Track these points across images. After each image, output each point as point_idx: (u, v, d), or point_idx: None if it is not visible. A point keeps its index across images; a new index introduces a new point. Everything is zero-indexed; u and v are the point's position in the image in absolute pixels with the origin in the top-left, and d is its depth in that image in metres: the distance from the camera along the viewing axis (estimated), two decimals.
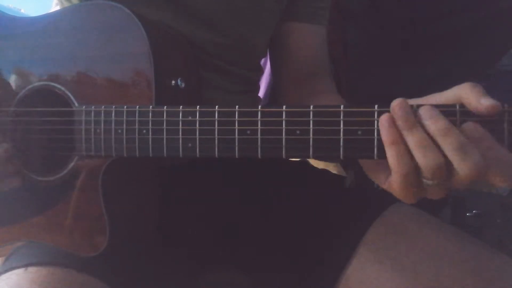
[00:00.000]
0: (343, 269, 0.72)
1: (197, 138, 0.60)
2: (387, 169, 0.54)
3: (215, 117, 0.59)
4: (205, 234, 0.82)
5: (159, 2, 0.77)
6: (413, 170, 0.50)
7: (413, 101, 0.52)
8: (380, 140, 0.52)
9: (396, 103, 0.51)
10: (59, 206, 0.71)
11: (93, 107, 0.67)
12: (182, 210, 0.82)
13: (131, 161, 0.67)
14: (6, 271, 0.69)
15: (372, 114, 0.52)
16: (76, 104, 0.69)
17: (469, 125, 0.49)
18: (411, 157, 0.50)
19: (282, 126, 0.55)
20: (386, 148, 0.51)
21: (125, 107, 0.64)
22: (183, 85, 0.69)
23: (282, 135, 0.55)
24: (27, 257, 0.71)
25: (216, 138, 0.59)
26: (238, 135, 0.57)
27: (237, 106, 0.58)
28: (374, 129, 0.52)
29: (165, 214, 0.77)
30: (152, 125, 0.63)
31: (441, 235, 0.70)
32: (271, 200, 0.83)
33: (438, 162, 0.49)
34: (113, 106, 0.65)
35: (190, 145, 0.61)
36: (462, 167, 0.48)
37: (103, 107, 0.66)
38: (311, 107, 0.54)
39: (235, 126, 0.58)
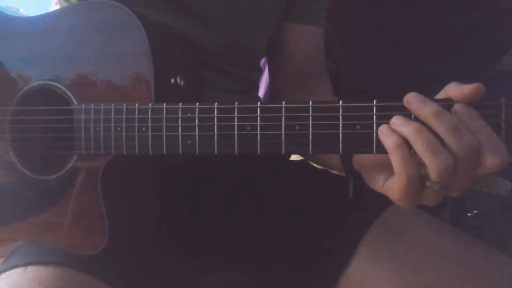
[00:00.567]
0: (343, 269, 0.72)
1: (197, 135, 0.60)
2: (384, 172, 0.55)
3: (214, 114, 0.59)
4: (205, 234, 0.82)
5: (159, 2, 0.78)
6: (418, 173, 0.50)
7: None
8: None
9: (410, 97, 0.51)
10: (58, 205, 0.71)
11: (92, 105, 0.67)
12: (182, 210, 0.82)
13: (130, 160, 0.67)
14: (5, 270, 0.69)
15: (371, 109, 0.52)
16: (76, 103, 0.69)
17: (458, 107, 0.49)
18: (416, 159, 0.50)
19: (281, 121, 0.55)
20: (390, 153, 0.51)
21: (124, 105, 0.64)
22: (182, 83, 0.69)
23: (281, 130, 0.55)
24: (27, 256, 0.71)
25: (216, 135, 0.59)
26: (238, 131, 0.57)
27: (236, 103, 0.58)
28: (373, 124, 0.52)
29: (165, 214, 0.77)
30: (151, 122, 0.63)
31: (441, 235, 0.70)
32: (270, 200, 0.83)
33: (447, 164, 0.49)
34: (113, 104, 0.65)
35: (189, 142, 0.61)
36: (457, 148, 0.48)
37: (102, 105, 0.66)
38: (310, 102, 0.54)
39: (234, 122, 0.58)
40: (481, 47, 1.20)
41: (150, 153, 0.63)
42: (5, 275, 0.68)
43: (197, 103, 0.60)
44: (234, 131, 0.58)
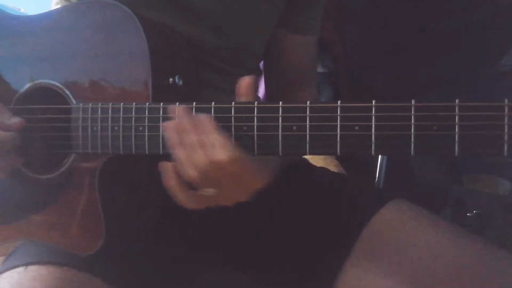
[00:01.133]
0: (341, 266, 0.72)
1: None
2: None
3: (211, 113, 0.58)
4: (205, 234, 0.82)
5: (159, 2, 0.78)
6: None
7: None
8: (377, 136, 0.51)
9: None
10: (56, 204, 0.71)
11: (90, 104, 0.67)
12: (181, 210, 0.82)
13: (128, 160, 0.67)
14: (7, 270, 0.70)
15: (369, 109, 0.52)
16: (74, 102, 0.69)
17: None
18: None
19: (278, 122, 0.55)
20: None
21: (121, 104, 0.64)
22: (180, 82, 0.69)
23: (278, 131, 0.55)
24: (27, 256, 0.71)
25: None
26: (235, 131, 0.57)
27: (233, 102, 0.58)
28: (371, 125, 0.51)
29: (164, 213, 0.77)
30: (148, 121, 0.62)
31: (439, 231, 0.70)
32: (269, 199, 0.83)
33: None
34: (110, 103, 0.65)
35: None
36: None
37: (100, 104, 0.66)
38: (308, 102, 0.54)
39: (231, 122, 0.57)
40: (481, 47, 1.19)
41: (147, 152, 0.63)
42: (7, 274, 0.69)
43: (194, 103, 0.60)
44: (231, 131, 0.57)
